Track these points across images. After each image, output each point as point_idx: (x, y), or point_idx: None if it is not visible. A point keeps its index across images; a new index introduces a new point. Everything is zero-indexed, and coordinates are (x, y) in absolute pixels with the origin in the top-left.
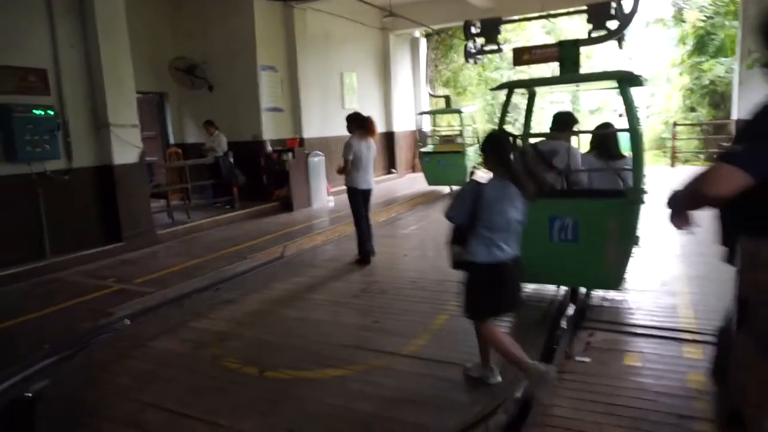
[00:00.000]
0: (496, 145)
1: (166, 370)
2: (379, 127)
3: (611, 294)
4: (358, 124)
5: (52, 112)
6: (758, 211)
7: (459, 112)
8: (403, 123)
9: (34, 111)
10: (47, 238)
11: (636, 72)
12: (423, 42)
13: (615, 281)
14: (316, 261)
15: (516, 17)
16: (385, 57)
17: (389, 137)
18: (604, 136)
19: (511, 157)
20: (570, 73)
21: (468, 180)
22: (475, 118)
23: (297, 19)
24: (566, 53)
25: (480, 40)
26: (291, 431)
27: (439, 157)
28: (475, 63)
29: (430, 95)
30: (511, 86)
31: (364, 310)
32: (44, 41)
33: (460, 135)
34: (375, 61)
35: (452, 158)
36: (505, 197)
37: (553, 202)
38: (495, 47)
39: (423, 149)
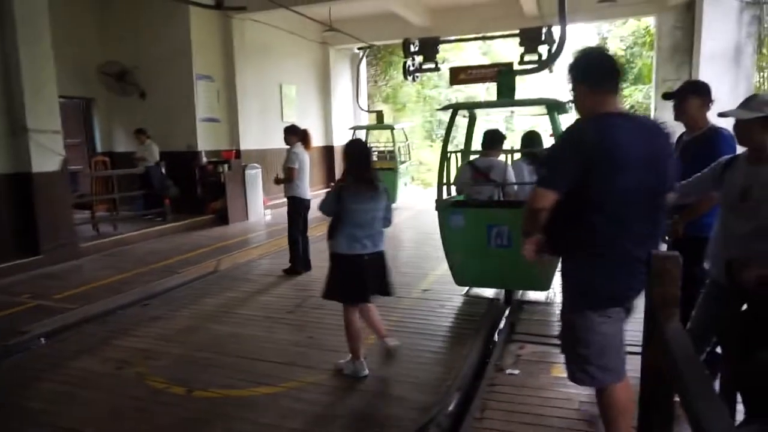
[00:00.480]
0: (348, 154)
1: (85, 392)
2: (319, 141)
3: (541, 308)
4: (298, 135)
5: None
6: (562, 230)
7: (391, 128)
8: (343, 137)
9: None
10: None
11: (562, 99)
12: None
13: (544, 283)
14: (250, 275)
15: (453, 38)
16: (326, 71)
17: (329, 151)
18: (531, 141)
19: (359, 162)
20: (507, 98)
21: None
22: (408, 134)
23: (235, 29)
24: (503, 80)
25: (419, 59)
26: None
27: None
28: (414, 80)
29: (362, 110)
30: (455, 107)
31: (299, 326)
32: None
33: (392, 152)
34: (315, 75)
35: (384, 175)
36: (364, 198)
37: (490, 212)
38: (433, 66)
39: None
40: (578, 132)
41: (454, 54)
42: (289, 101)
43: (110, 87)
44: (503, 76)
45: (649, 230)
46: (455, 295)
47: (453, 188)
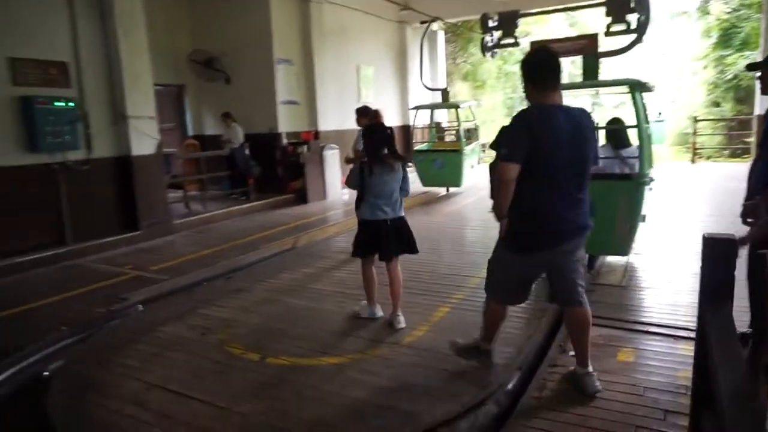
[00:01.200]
0: (367, 136)
1: (172, 354)
2: (397, 121)
3: (614, 290)
4: (369, 116)
5: (72, 104)
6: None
7: (456, 107)
8: (421, 117)
9: (56, 103)
10: (68, 226)
11: (643, 79)
12: (441, 35)
13: (623, 249)
14: (326, 252)
15: (534, 10)
16: (403, 50)
17: (407, 130)
18: (615, 126)
19: (376, 143)
20: (591, 80)
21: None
22: (487, 112)
23: (313, 12)
24: (587, 64)
25: (497, 34)
26: (286, 414)
27: (434, 156)
28: (492, 56)
29: (427, 89)
30: None
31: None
32: (65, 35)
33: (458, 131)
34: (392, 55)
35: (448, 157)
36: (381, 173)
37: None
38: (512, 41)
39: (417, 147)
40: (527, 115)
41: (538, 27)
42: (366, 82)
43: (199, 74)
44: (587, 60)
45: (576, 195)
46: None
47: None
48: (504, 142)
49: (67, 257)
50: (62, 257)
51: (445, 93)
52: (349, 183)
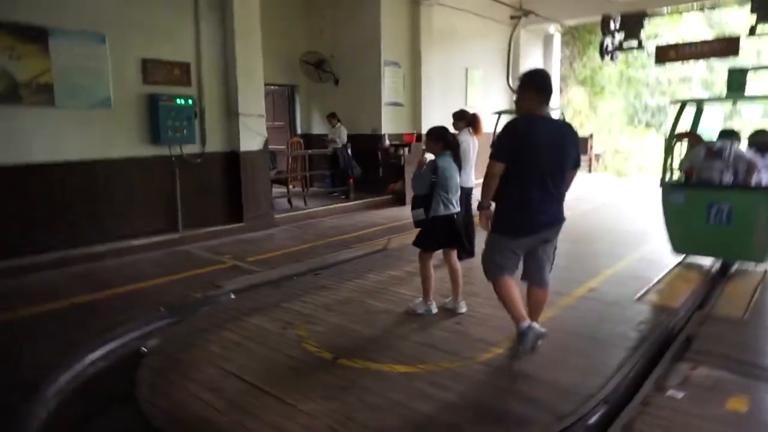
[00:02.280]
0: (440, 133)
1: (253, 345)
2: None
3: (731, 325)
4: (465, 121)
5: (191, 102)
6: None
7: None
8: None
9: (177, 100)
10: (180, 214)
11: None
12: (557, 38)
13: (761, 256)
14: (414, 256)
15: (664, 10)
16: (515, 54)
17: None
18: (761, 135)
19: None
20: (737, 93)
21: (423, 166)
22: (607, 119)
23: (423, 15)
24: (734, 78)
25: (619, 36)
26: (350, 419)
27: None
28: (612, 60)
29: (513, 91)
30: (683, 102)
31: (450, 311)
32: (189, 38)
33: None
34: (503, 58)
35: None
36: (452, 167)
37: (712, 192)
38: (635, 44)
39: None
40: (513, 124)
41: (670, 28)
42: (473, 85)
43: (309, 75)
44: (734, 74)
45: (556, 191)
46: (625, 299)
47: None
48: (495, 145)
49: (176, 243)
50: (172, 243)
51: None
52: (416, 186)
